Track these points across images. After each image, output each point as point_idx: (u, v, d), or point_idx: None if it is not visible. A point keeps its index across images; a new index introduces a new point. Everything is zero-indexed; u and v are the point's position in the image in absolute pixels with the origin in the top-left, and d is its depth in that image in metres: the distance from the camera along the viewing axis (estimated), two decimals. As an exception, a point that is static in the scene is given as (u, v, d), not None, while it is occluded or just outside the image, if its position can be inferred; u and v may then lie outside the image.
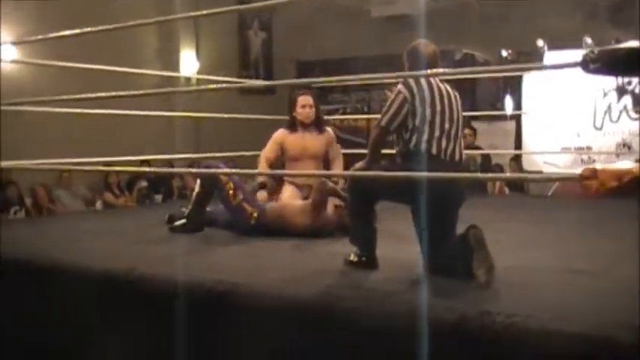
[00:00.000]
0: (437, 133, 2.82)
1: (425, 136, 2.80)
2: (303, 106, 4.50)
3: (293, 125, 4.55)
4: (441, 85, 2.93)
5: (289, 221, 3.93)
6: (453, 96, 2.95)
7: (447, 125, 2.85)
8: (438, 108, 2.84)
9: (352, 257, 2.94)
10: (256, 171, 4.11)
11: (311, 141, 4.52)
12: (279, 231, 3.87)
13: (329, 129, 4.66)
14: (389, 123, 2.86)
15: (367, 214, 2.97)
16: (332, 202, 4.02)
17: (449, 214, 2.80)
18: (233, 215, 4.05)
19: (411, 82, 2.86)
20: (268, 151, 4.52)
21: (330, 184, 3.97)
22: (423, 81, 2.86)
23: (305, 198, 4.33)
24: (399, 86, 2.88)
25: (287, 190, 4.50)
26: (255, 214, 3.97)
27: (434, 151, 2.81)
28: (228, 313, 2.55)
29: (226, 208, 4.08)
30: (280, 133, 4.55)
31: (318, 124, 4.56)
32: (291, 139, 4.51)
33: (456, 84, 3.20)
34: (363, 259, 2.91)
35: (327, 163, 4.67)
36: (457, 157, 2.89)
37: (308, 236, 3.78)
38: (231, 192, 4.01)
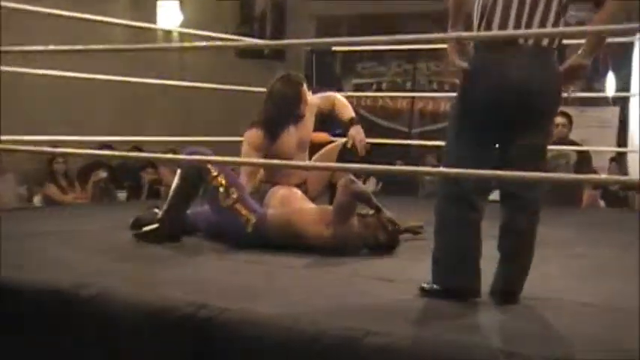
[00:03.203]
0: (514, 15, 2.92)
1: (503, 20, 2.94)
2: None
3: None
4: None
5: (300, 231, 3.93)
6: None
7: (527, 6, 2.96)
8: None
9: (426, 284, 2.99)
10: (262, 161, 4.11)
11: (301, 131, 4.59)
12: (284, 243, 3.90)
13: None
14: None
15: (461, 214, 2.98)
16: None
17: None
18: (222, 220, 4.10)
19: None
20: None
21: (360, 185, 3.97)
22: None
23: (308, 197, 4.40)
24: None
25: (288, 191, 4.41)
26: (253, 220, 4.01)
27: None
28: (212, 345, 2.61)
29: (214, 210, 4.14)
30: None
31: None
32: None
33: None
34: (439, 287, 2.95)
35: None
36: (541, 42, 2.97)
37: (325, 252, 3.81)
38: (221, 189, 4.03)
